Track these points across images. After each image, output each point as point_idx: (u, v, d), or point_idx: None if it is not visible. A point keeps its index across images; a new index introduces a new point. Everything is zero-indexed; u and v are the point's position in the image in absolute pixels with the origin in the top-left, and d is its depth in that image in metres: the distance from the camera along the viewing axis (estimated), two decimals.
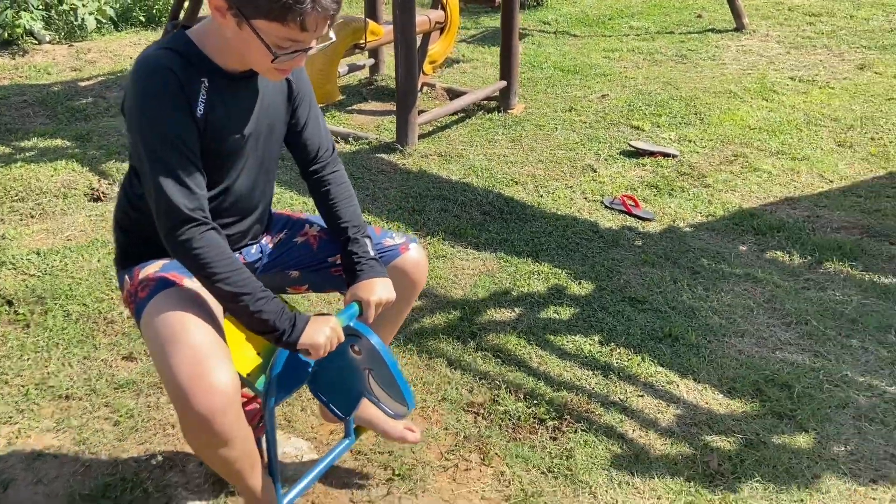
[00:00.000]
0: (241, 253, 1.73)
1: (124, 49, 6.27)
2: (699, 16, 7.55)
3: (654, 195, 3.84)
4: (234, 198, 1.61)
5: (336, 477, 1.98)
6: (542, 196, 3.80)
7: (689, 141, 4.49)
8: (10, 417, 2.20)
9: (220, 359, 1.41)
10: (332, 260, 1.77)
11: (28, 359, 2.45)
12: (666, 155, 4.27)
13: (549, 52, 6.41)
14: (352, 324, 1.55)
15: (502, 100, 4.99)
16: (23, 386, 2.33)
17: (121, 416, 2.21)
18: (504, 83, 4.97)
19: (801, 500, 2.02)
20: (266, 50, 1.37)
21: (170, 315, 1.45)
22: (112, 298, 2.78)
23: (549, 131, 4.63)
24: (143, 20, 6.96)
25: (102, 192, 3.61)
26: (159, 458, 2.04)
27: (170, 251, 1.48)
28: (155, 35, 6.68)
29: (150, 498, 1.91)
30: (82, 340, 2.54)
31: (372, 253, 1.69)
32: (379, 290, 1.61)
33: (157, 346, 1.44)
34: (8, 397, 2.28)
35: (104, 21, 6.64)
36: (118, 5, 6.90)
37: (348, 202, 1.74)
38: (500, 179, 3.96)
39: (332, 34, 1.44)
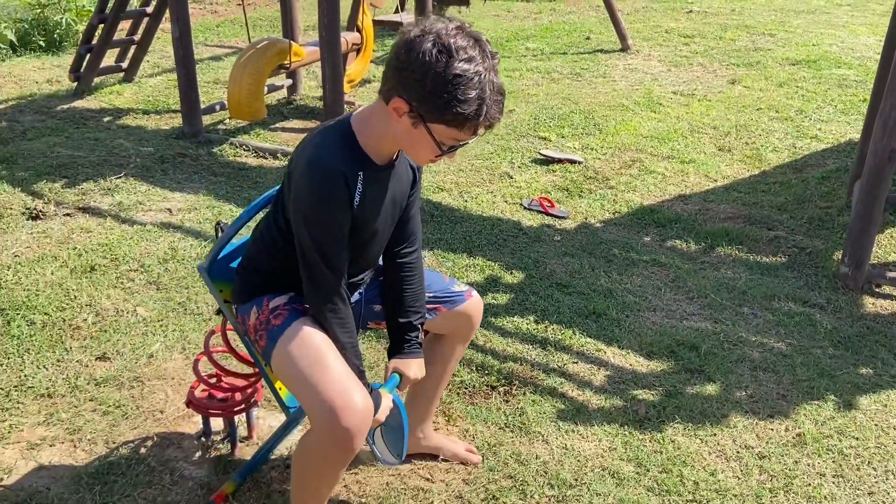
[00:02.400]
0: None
1: (28, 73, 6.18)
2: (588, 38, 8.21)
3: (566, 197, 4.26)
4: (362, 262, 1.84)
5: None
6: (466, 201, 4.14)
7: (592, 149, 4.97)
8: None
9: (357, 383, 1.65)
10: None
11: (1, 364, 2.52)
12: (572, 161, 4.72)
13: None
14: (393, 394, 1.83)
15: None
16: (2, 388, 2.41)
17: (108, 407, 2.34)
18: None
19: (715, 434, 2.42)
20: (435, 147, 1.58)
21: (309, 342, 1.67)
22: (73, 306, 2.87)
23: (469, 147, 4.98)
24: (44, 45, 6.86)
25: (41, 211, 3.65)
26: (155, 438, 2.20)
27: (315, 314, 1.72)
28: (57, 59, 6.59)
29: (153, 472, 2.07)
30: (52, 345, 2.64)
31: (421, 339, 1.92)
32: (415, 369, 1.90)
33: (299, 369, 1.64)
34: None
35: (3, 46, 6.51)
36: (17, 30, 6.77)
37: (420, 288, 1.93)
38: (427, 187, 4.27)
39: (481, 131, 1.61)
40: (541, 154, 4.80)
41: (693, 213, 4.08)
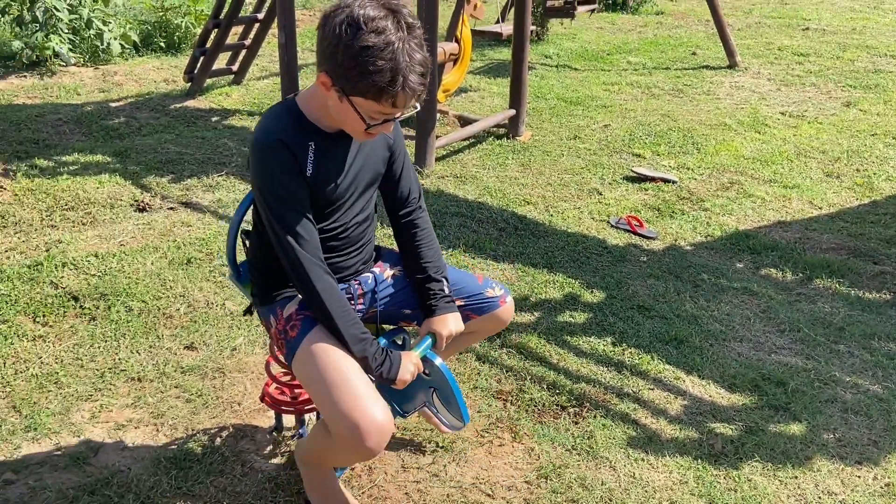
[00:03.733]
0: (358, 281, 1.94)
1: (148, 73, 6.57)
2: (694, 53, 7.97)
3: (657, 217, 4.15)
4: (342, 235, 1.83)
5: (389, 445, 2.23)
6: (552, 215, 4.10)
7: (688, 168, 4.82)
8: (91, 395, 2.45)
9: (377, 397, 1.68)
10: None
11: (99, 347, 2.70)
12: (666, 181, 4.59)
13: (552, 84, 6.77)
14: (428, 354, 1.86)
15: (511, 127, 5.32)
16: (97, 369, 2.58)
17: (191, 395, 2.46)
18: (513, 111, 5.30)
19: (796, 477, 2.29)
20: (361, 120, 1.61)
21: (326, 358, 1.70)
22: (168, 296, 3.04)
23: (556, 157, 4.95)
24: (164, 46, 7.28)
25: (147, 204, 3.88)
26: (231, 429, 2.30)
27: (297, 290, 1.79)
28: (175, 60, 6.99)
29: (226, 461, 2.16)
30: (146, 332, 2.80)
31: (447, 291, 1.92)
32: (451, 324, 1.89)
33: (319, 383, 1.68)
34: (86, 378, 2.53)
35: (127, 46, 6.96)
36: (140, 31, 7.23)
37: (431, 244, 1.97)
38: (513, 199, 4.26)
39: (417, 105, 1.65)
40: (633, 171, 4.69)
41: (792, 242, 3.89)
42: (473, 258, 3.57)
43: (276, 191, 1.64)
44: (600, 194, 4.40)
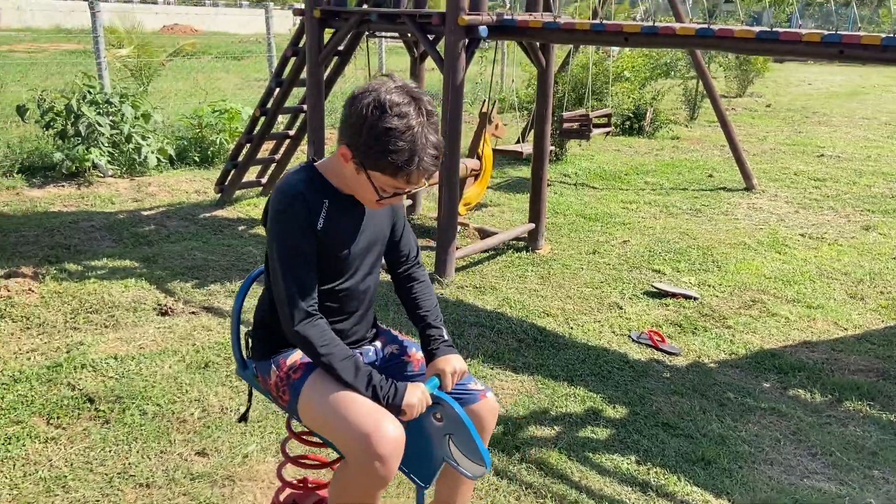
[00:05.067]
0: (360, 352, 2.00)
1: (180, 184, 6.81)
2: (710, 176, 8.14)
3: (679, 333, 4.10)
4: (344, 297, 1.91)
5: None
6: (572, 328, 4.07)
7: (709, 286, 4.81)
8: (97, 500, 2.38)
9: (386, 413, 1.71)
10: None
11: (110, 450, 2.65)
12: (687, 297, 4.57)
13: (570, 200, 6.90)
14: (435, 392, 1.81)
15: (531, 240, 5.39)
16: (106, 474, 2.52)
17: (199, 502, 2.38)
18: (532, 225, 5.38)
19: None
20: (374, 191, 1.75)
21: (332, 388, 1.77)
22: (183, 400, 3.01)
23: (576, 271, 4.97)
24: (198, 160, 7.59)
25: (170, 308, 3.92)
26: None
27: (289, 338, 1.81)
28: (207, 172, 7.25)
29: None
30: (159, 436, 2.75)
31: (446, 337, 1.99)
32: (454, 362, 1.91)
33: (327, 411, 1.73)
34: (93, 483, 2.47)
35: (163, 159, 7.25)
36: (177, 146, 7.56)
37: (429, 295, 2.06)
38: (533, 311, 4.25)
39: (426, 182, 1.79)
40: (654, 287, 4.69)
41: (819, 362, 3.81)
42: (492, 369, 3.52)
43: (286, 237, 1.75)
44: (621, 308, 4.38)
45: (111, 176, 6.82)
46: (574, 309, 4.34)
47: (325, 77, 5.69)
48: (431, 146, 1.69)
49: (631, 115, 10.82)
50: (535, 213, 5.39)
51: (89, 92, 6.94)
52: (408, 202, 6.01)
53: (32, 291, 4.06)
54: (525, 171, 7.73)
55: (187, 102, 9.19)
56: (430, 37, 4.71)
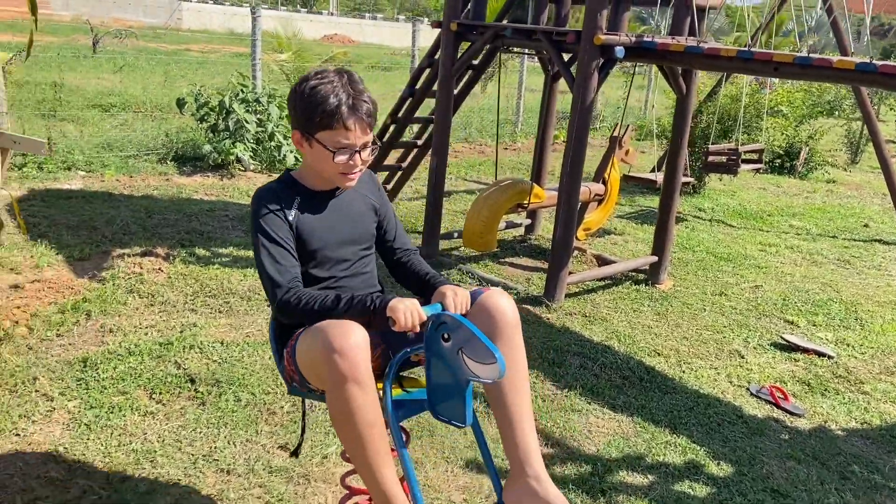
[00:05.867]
0: None
1: None
2: (866, 225, 7.46)
3: (805, 392, 3.73)
4: (334, 286, 1.97)
5: None
6: (684, 371, 3.81)
7: (848, 344, 4.36)
8: (178, 480, 2.45)
9: (356, 326, 1.71)
10: None
11: (200, 432, 2.74)
12: (821, 354, 4.16)
13: (702, 237, 6.53)
14: (433, 312, 1.79)
15: (651, 274, 5.13)
16: (192, 454, 2.60)
17: (272, 497, 2.40)
18: (655, 258, 5.12)
19: None
20: (328, 153, 1.85)
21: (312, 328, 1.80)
22: (276, 392, 3.07)
23: (697, 311, 4.67)
24: None
25: None
26: None
27: (280, 316, 1.88)
28: None
29: None
30: (248, 424, 2.81)
31: (443, 277, 2.05)
32: (456, 289, 1.91)
33: (307, 340, 1.78)
34: (179, 462, 2.55)
35: (300, 159, 7.57)
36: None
37: (427, 267, 2.10)
38: (643, 348, 4.02)
39: (368, 141, 1.88)
40: (783, 339, 4.31)
41: None
42: (589, 403, 3.34)
43: (262, 228, 1.88)
44: (742, 357, 4.05)
45: (252, 170, 7.20)
46: (689, 351, 4.06)
47: (457, 90, 5.71)
48: (358, 94, 1.84)
49: (782, 152, 10.15)
50: (660, 246, 5.13)
51: (242, 90, 7.37)
52: (527, 221, 5.90)
53: (161, 271, 4.31)
54: (657, 202, 7.40)
55: None
56: (566, 56, 4.61)
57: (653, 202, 7.60)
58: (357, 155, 1.87)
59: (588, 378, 3.59)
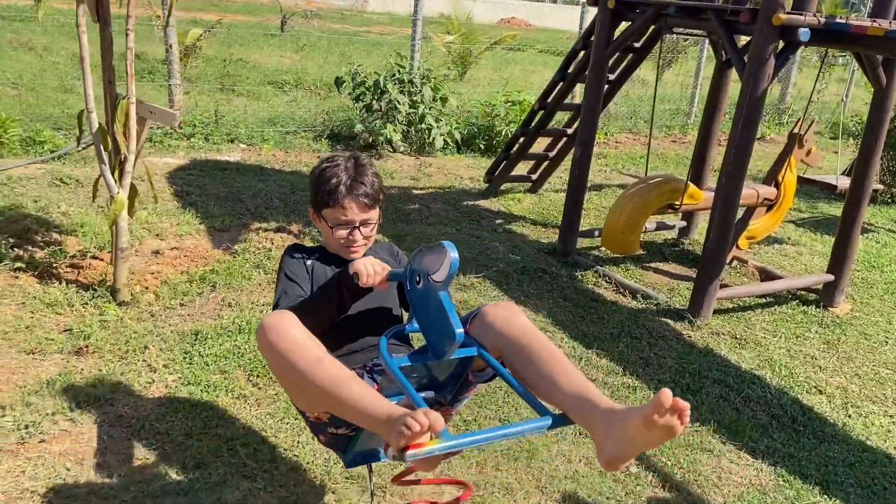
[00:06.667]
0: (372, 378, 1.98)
1: (458, 169, 6.90)
2: None
3: None
4: (352, 325, 2.01)
5: None
6: (850, 416, 3.21)
7: None
8: (253, 475, 2.33)
9: (295, 321, 1.72)
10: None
11: (289, 422, 2.62)
12: None
13: (894, 254, 5.61)
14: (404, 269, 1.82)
15: (824, 295, 4.44)
16: (274, 447, 2.49)
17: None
18: (831, 277, 4.42)
19: None
20: (329, 228, 2.04)
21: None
22: None
23: (878, 343, 3.96)
24: (483, 147, 7.64)
25: None
26: None
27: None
28: (487, 161, 7.22)
29: None
30: None
31: None
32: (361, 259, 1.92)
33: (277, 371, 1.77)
34: (258, 454, 2.44)
35: (450, 143, 7.43)
36: (466, 132, 7.70)
37: None
38: (801, 383, 3.44)
39: (376, 215, 2.06)
40: None
41: None
42: (724, 443, 2.87)
43: (283, 270, 2.06)
44: None
45: (401, 152, 7.16)
46: (860, 392, 3.43)
47: (614, 76, 5.27)
48: (360, 179, 2.01)
49: None
50: (838, 263, 4.43)
51: (398, 71, 7.34)
52: (682, 223, 5.34)
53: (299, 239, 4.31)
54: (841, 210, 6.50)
55: (491, 91, 9.34)
56: (738, 38, 4.04)
57: (837, 209, 6.68)
58: (357, 231, 2.04)
59: (727, 412, 3.10)
